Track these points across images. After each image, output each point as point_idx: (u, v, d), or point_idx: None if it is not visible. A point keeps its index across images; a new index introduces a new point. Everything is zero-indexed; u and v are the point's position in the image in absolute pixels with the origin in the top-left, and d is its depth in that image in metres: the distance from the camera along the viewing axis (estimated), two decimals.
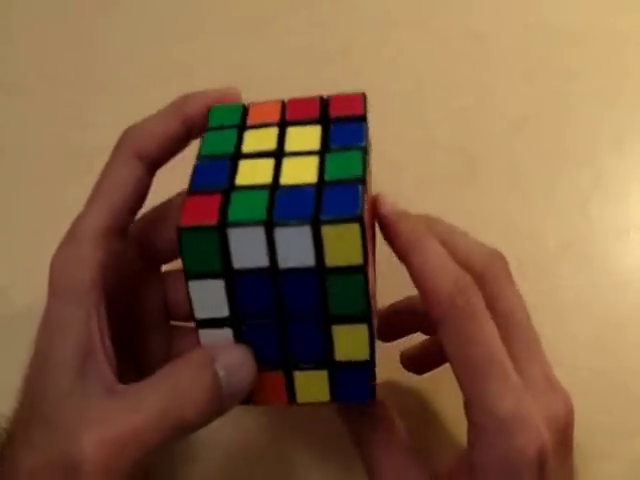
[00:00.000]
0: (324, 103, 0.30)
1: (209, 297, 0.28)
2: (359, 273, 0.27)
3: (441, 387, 0.33)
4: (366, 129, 0.29)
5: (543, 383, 0.30)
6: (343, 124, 0.29)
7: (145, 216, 0.35)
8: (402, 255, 0.30)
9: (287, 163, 0.28)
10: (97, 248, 0.30)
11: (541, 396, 0.29)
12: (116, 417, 0.28)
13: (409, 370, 0.36)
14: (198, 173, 0.29)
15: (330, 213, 0.26)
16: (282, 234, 0.26)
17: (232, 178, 0.28)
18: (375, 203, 0.30)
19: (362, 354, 0.29)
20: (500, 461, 0.28)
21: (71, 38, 0.48)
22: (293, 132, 0.29)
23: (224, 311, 0.28)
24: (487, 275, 0.30)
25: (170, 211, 0.35)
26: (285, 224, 0.26)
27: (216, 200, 0.27)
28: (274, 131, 0.30)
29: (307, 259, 0.27)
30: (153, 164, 0.32)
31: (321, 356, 0.29)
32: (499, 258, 0.31)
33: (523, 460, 0.28)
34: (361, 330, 0.29)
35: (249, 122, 0.30)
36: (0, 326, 0.41)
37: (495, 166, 0.44)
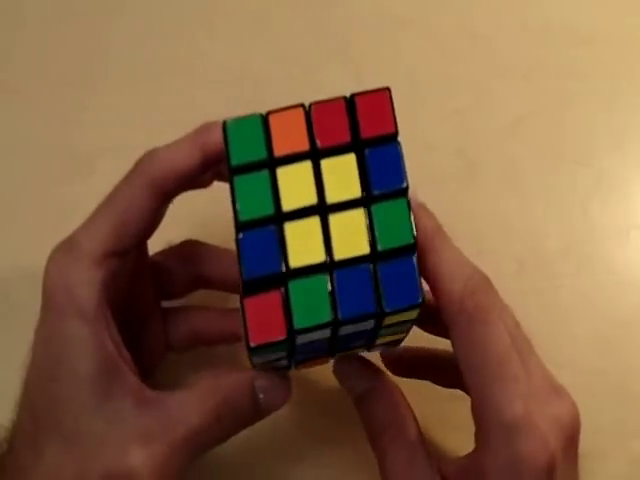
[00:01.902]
0: (351, 110, 0.29)
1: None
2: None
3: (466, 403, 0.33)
4: (401, 150, 0.29)
5: (546, 387, 0.30)
6: (377, 150, 0.29)
7: (169, 252, 0.36)
8: (417, 254, 0.29)
9: (335, 224, 0.28)
10: (99, 267, 0.30)
11: (548, 401, 0.29)
12: (160, 429, 0.29)
13: (387, 367, 0.36)
14: (245, 252, 0.28)
15: (393, 305, 0.28)
16: (348, 328, 0.28)
17: (284, 257, 0.28)
18: None
19: None
20: (508, 467, 0.28)
21: (72, 38, 0.48)
22: (328, 169, 0.29)
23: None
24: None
25: (192, 249, 0.36)
26: (350, 322, 0.28)
27: (276, 301, 0.28)
28: (308, 169, 0.29)
29: (368, 326, 0.29)
30: (168, 195, 0.32)
31: None
32: (483, 273, 0.31)
33: (531, 467, 0.27)
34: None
35: (277, 151, 0.29)
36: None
37: (494, 166, 0.44)
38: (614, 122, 0.45)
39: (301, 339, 0.28)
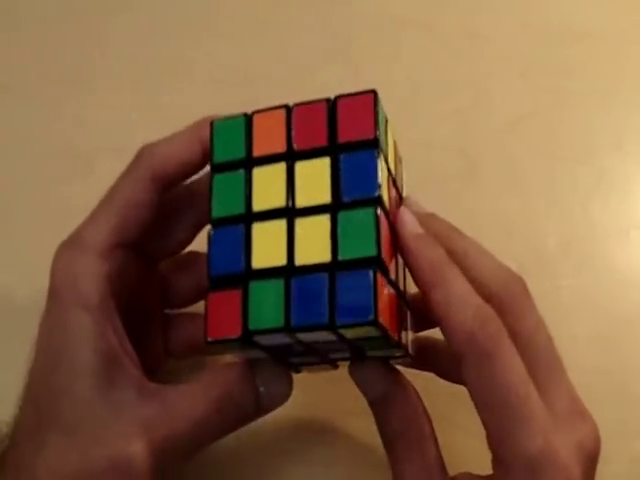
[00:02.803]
0: (332, 113, 0.29)
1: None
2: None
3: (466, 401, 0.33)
4: (377, 157, 0.28)
5: (570, 411, 0.29)
6: (352, 155, 0.28)
7: (172, 262, 0.36)
8: (423, 289, 0.29)
9: (300, 228, 0.28)
10: (104, 261, 0.31)
11: (569, 426, 0.28)
12: (161, 420, 0.29)
13: None
14: (214, 248, 0.29)
15: (344, 319, 0.27)
16: (302, 335, 0.28)
17: (248, 257, 0.28)
18: (395, 219, 0.30)
19: None
20: None
21: (72, 37, 0.48)
22: (302, 172, 0.29)
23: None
24: (504, 296, 0.29)
25: (196, 260, 0.36)
26: (303, 330, 0.27)
27: (236, 299, 0.28)
28: (282, 171, 0.29)
29: (329, 337, 0.28)
30: (168, 186, 0.32)
31: None
32: (517, 279, 0.30)
33: None
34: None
35: (255, 151, 0.29)
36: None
37: (494, 166, 0.44)
38: (614, 121, 0.45)
39: (262, 341, 0.28)
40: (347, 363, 0.32)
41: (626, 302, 0.41)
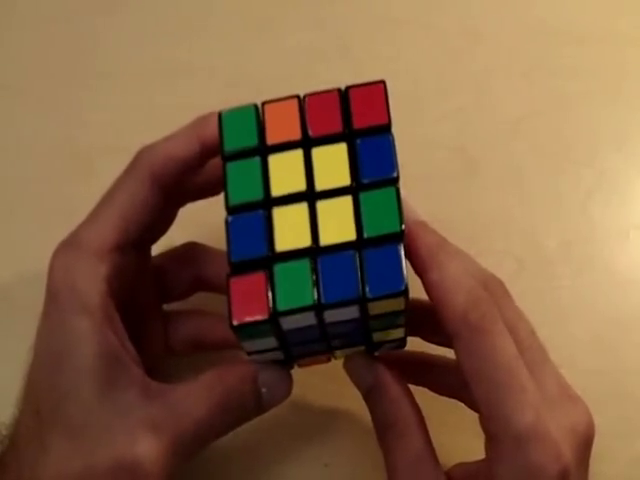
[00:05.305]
0: (344, 102, 0.30)
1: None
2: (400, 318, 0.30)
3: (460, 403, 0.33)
4: (393, 141, 0.29)
5: (560, 394, 0.29)
6: (369, 140, 0.29)
7: (170, 254, 0.37)
8: (419, 270, 0.30)
9: (322, 210, 0.28)
10: (103, 262, 0.31)
11: (561, 409, 0.29)
12: (166, 419, 0.30)
13: None
14: (234, 235, 0.28)
15: (376, 291, 0.27)
16: (331, 313, 0.28)
17: (270, 240, 0.28)
18: None
19: None
20: (520, 477, 0.27)
21: (72, 37, 0.48)
22: (319, 157, 0.29)
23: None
24: (486, 290, 0.30)
25: (192, 251, 0.37)
26: (334, 306, 0.28)
27: (260, 282, 0.28)
28: (299, 157, 0.29)
29: (353, 315, 0.28)
30: (168, 186, 0.32)
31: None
32: (497, 279, 0.31)
33: (544, 477, 0.27)
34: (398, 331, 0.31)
35: (269, 139, 0.29)
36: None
37: (495, 166, 0.44)
38: (616, 122, 0.45)
39: (286, 323, 0.28)
40: (340, 356, 0.33)
41: (625, 303, 0.41)
